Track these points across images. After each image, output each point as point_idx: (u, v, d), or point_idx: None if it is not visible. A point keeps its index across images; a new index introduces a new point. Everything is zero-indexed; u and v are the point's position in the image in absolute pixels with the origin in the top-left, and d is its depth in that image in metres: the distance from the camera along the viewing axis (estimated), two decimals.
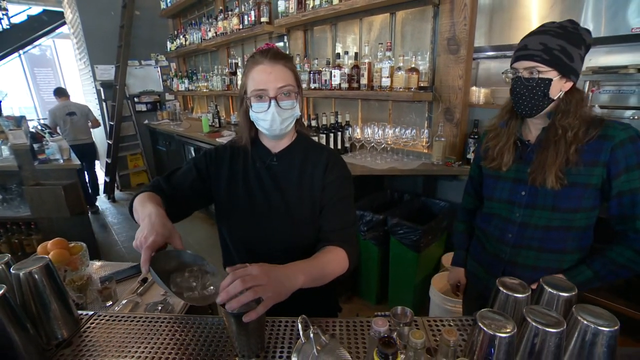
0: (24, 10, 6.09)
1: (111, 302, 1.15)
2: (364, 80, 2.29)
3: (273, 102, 0.86)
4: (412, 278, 2.16)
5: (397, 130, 2.26)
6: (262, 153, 0.98)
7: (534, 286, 0.94)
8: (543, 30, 0.90)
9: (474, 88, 2.21)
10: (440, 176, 2.39)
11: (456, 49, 2.03)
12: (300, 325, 0.53)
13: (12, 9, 5.84)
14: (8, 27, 5.68)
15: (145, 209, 0.79)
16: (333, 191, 0.94)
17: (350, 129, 2.48)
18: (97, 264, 1.42)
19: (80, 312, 0.86)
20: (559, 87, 0.90)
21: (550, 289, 0.67)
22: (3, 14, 5.57)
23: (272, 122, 0.88)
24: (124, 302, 1.12)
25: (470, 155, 2.09)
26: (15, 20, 5.84)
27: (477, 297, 1.20)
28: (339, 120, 2.50)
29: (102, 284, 1.16)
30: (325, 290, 0.90)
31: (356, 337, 0.75)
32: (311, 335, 0.49)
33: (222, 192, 0.99)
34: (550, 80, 0.88)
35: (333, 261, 0.85)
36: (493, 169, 1.05)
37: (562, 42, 0.86)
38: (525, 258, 1.02)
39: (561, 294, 0.67)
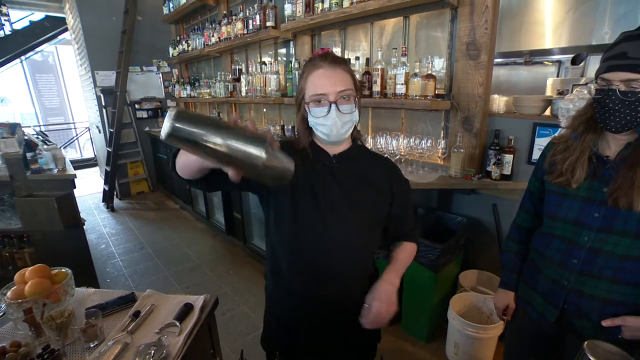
0: (26, 16, 6.05)
1: (97, 342, 0.99)
2: (376, 87, 2.15)
3: (333, 107, 0.86)
4: (430, 299, 2.00)
5: (411, 140, 2.11)
6: (320, 155, 0.98)
7: (605, 323, 0.85)
8: None
9: (494, 96, 2.06)
10: (456, 189, 2.23)
11: (476, 54, 1.90)
12: None
13: (14, 14, 5.79)
14: (10, 32, 5.62)
15: None
16: (404, 200, 1.08)
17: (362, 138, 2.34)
18: (83, 291, 1.26)
19: None
20: None
21: None
22: (5, 20, 5.51)
23: (332, 126, 0.88)
24: (110, 342, 0.97)
25: (491, 168, 1.94)
26: (17, 26, 5.79)
27: (531, 337, 1.06)
28: None
29: (87, 318, 1.00)
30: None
31: None
32: None
33: (284, 199, 0.93)
34: None
35: (410, 255, 1.12)
36: (559, 185, 0.93)
37: None
38: (594, 288, 0.88)
39: None
